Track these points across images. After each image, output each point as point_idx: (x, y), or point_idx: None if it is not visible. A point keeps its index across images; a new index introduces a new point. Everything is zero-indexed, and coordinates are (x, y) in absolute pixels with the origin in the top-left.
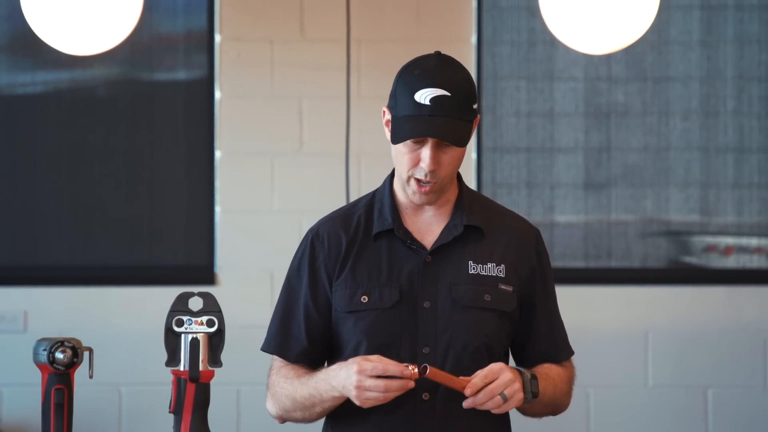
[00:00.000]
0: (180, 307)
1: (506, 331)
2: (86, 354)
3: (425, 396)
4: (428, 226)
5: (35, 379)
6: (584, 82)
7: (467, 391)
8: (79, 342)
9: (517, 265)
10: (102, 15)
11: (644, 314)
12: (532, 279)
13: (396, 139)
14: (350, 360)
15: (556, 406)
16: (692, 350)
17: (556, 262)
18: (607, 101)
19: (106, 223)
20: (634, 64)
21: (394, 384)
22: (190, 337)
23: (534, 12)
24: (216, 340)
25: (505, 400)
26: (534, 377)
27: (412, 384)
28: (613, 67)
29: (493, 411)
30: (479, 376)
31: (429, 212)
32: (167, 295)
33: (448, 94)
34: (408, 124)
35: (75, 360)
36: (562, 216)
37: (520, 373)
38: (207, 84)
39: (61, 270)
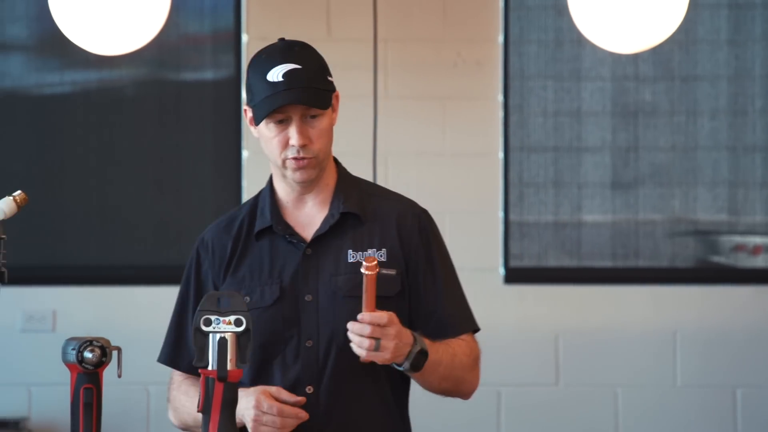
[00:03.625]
0: (208, 306)
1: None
2: (115, 353)
3: (309, 389)
4: (310, 219)
5: (64, 378)
6: (611, 81)
7: (358, 316)
8: (107, 341)
9: (400, 247)
10: (130, 15)
11: (672, 314)
12: (416, 259)
13: (258, 118)
14: (251, 390)
15: (456, 379)
16: (721, 350)
17: (583, 262)
18: (635, 100)
19: (133, 223)
20: (661, 63)
21: (289, 422)
22: (218, 336)
23: (561, 11)
24: (244, 340)
25: (376, 349)
26: (423, 352)
27: (305, 416)
28: (640, 66)
29: (360, 354)
30: (378, 317)
31: (309, 203)
32: None
33: (299, 66)
34: (267, 103)
35: (103, 359)
36: (589, 215)
37: (414, 341)
38: (234, 84)
39: (90, 270)
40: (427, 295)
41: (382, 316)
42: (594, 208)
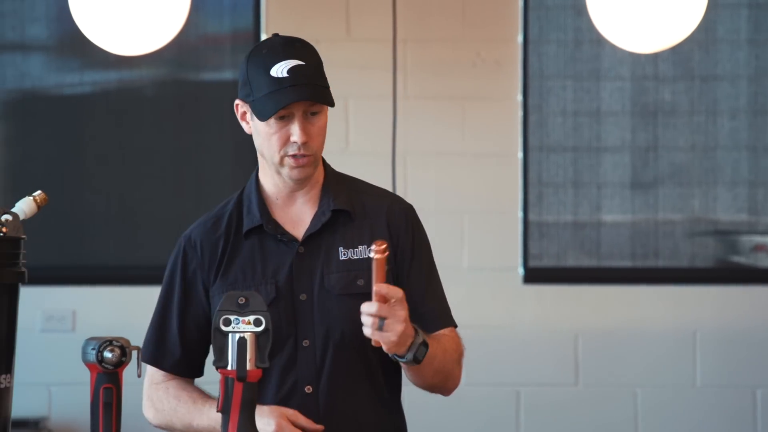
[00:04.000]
0: (227, 306)
1: None
2: (134, 353)
3: (308, 389)
4: (300, 216)
5: (84, 378)
6: (631, 81)
7: (374, 294)
8: (127, 341)
9: (390, 243)
10: (149, 15)
11: (692, 314)
12: (402, 254)
13: (264, 114)
14: (266, 410)
15: (446, 373)
16: (741, 350)
17: (602, 262)
18: (654, 100)
19: (153, 223)
20: (681, 63)
21: None
22: (237, 336)
23: (580, 11)
24: (263, 340)
25: (380, 328)
26: (425, 343)
27: None
28: (660, 66)
29: (367, 333)
30: (393, 290)
31: (299, 200)
32: None
33: (303, 63)
34: (272, 99)
35: (123, 359)
36: (609, 215)
37: (415, 332)
38: None
39: (109, 270)
40: (412, 289)
41: (398, 290)
42: (613, 208)
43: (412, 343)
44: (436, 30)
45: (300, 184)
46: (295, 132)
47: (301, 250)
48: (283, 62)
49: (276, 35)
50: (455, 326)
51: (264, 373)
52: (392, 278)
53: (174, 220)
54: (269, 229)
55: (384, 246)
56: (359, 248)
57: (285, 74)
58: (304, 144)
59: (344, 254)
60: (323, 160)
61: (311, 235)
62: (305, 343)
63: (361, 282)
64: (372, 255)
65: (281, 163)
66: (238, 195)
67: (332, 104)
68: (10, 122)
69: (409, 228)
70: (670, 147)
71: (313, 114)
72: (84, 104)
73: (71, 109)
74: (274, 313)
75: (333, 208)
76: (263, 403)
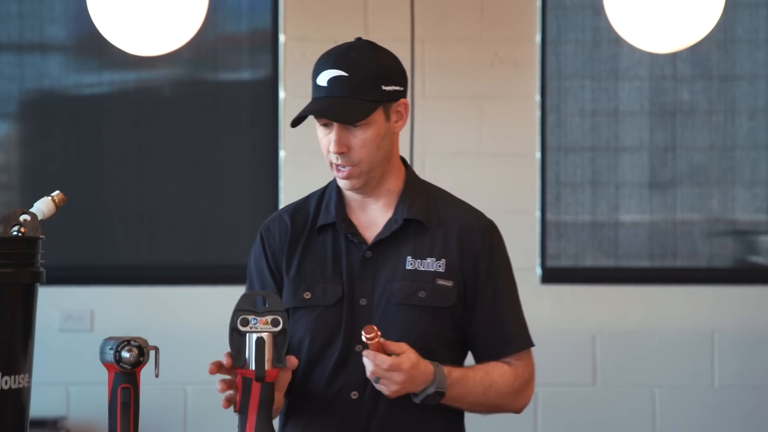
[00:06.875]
0: (245, 306)
1: (446, 327)
2: (152, 353)
3: (354, 395)
4: (373, 220)
5: (102, 377)
6: (649, 80)
7: (363, 352)
8: (145, 341)
9: (459, 259)
10: (167, 16)
11: (710, 314)
12: (475, 272)
13: (292, 122)
14: None
15: (492, 406)
16: (760, 350)
17: (620, 262)
18: (673, 100)
19: (171, 223)
20: (699, 63)
21: None
22: (255, 336)
23: (598, 11)
24: (280, 340)
25: (376, 381)
26: (439, 393)
27: None
28: (678, 66)
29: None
30: (380, 360)
31: (375, 205)
32: (232, 294)
33: (346, 74)
34: (307, 106)
35: (141, 359)
36: (627, 215)
37: (434, 378)
38: (271, 84)
39: (127, 269)
40: (482, 311)
41: (384, 360)
42: (631, 207)
43: (423, 391)
44: (455, 30)
45: (357, 192)
46: (330, 142)
47: (368, 254)
48: (327, 71)
49: (357, 39)
50: (530, 346)
51: (313, 372)
52: (456, 295)
53: (192, 220)
54: (342, 228)
55: (373, 334)
56: (428, 260)
57: (324, 84)
58: (341, 154)
59: (411, 264)
60: (406, 167)
61: (380, 241)
62: (357, 348)
63: (422, 294)
64: (364, 339)
65: (331, 168)
66: (322, 190)
67: (353, 121)
68: (28, 122)
69: (485, 246)
70: (688, 147)
71: (356, 126)
72: (102, 104)
73: (89, 110)
74: (337, 313)
75: (405, 217)
76: (308, 402)
